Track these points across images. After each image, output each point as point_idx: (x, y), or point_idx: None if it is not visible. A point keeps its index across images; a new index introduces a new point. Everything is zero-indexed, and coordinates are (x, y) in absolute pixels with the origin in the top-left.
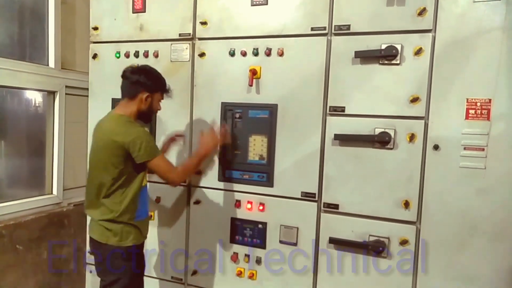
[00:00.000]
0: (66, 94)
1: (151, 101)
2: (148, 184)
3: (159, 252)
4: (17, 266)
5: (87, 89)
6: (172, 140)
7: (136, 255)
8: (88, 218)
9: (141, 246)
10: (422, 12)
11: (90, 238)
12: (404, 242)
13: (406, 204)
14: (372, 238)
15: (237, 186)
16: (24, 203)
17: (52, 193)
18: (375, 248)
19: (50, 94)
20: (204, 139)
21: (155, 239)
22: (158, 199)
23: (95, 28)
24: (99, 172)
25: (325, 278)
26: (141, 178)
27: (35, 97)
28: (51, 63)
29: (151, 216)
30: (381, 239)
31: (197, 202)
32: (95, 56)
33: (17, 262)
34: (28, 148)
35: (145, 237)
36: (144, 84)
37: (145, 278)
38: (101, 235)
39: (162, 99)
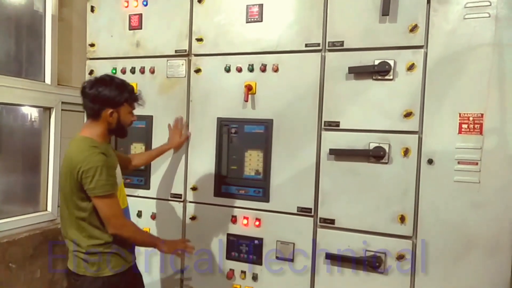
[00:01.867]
0: (62, 110)
1: (118, 116)
2: (143, 200)
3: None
4: (9, 285)
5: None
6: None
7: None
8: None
9: (129, 273)
10: (413, 29)
11: (68, 270)
12: (400, 257)
13: (402, 219)
14: (368, 253)
15: (233, 202)
16: (18, 220)
17: (46, 210)
18: (372, 264)
19: (46, 110)
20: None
21: (150, 255)
22: (153, 216)
23: (92, 45)
24: (69, 206)
25: None
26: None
27: (31, 113)
28: (47, 79)
29: None
30: (378, 254)
31: (193, 218)
32: (91, 72)
33: (10, 280)
34: (23, 164)
35: (130, 262)
36: (105, 100)
37: None
38: (82, 267)
39: (133, 109)
